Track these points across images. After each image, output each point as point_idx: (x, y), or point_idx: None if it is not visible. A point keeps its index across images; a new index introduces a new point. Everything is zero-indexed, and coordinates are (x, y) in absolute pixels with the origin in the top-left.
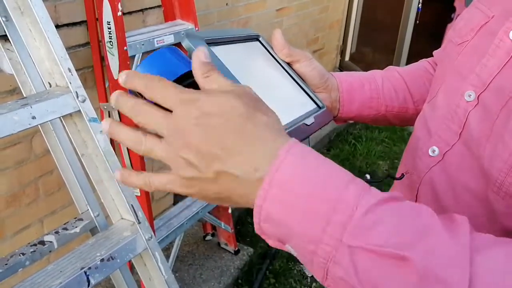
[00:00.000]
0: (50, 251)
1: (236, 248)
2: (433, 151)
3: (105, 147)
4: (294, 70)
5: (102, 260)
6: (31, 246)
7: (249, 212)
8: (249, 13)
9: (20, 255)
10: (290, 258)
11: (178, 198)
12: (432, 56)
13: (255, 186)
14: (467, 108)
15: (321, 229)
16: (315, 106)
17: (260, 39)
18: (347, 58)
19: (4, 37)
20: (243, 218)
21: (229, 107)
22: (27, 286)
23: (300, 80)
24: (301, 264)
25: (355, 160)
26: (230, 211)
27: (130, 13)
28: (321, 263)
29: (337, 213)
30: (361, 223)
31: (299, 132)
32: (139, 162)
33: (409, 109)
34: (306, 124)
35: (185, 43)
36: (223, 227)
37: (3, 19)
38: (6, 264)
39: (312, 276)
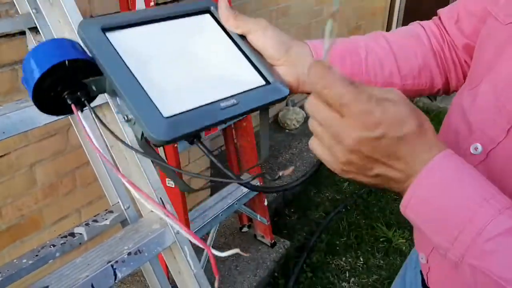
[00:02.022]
0: (80, 243)
1: (273, 241)
2: (475, 148)
3: (133, 139)
4: (248, 42)
5: (129, 253)
6: (61, 237)
7: (286, 204)
8: (288, 1)
9: (50, 247)
10: (328, 252)
11: (214, 189)
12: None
13: (405, 188)
14: None
15: (449, 242)
16: (263, 82)
17: (212, 10)
18: None
19: (35, 29)
20: (280, 210)
21: (399, 120)
22: (55, 278)
23: (252, 53)
24: (339, 257)
25: None
26: (266, 203)
27: (165, 3)
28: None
29: (464, 233)
30: (481, 248)
31: (207, 114)
32: (173, 155)
33: (394, 85)
34: (221, 107)
35: (78, 33)
36: (259, 219)
37: (34, 11)
38: (37, 255)
39: (350, 270)
